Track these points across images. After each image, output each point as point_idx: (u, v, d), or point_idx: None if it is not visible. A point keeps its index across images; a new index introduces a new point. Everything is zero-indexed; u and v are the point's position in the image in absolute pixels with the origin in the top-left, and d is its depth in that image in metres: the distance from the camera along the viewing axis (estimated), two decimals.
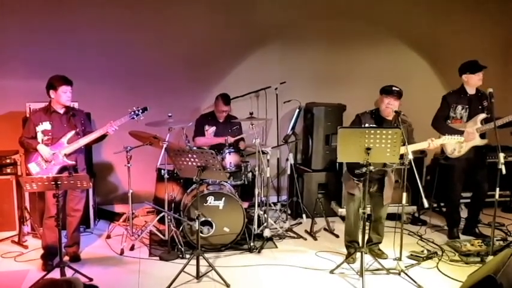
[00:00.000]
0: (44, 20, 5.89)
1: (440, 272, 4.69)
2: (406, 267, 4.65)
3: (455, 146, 5.26)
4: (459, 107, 5.27)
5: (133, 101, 5.13)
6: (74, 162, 4.65)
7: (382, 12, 6.69)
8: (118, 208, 6.27)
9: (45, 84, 4.60)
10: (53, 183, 4.10)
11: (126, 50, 6.15)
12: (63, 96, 4.56)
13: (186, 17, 6.26)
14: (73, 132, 4.63)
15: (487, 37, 6.94)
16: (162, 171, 5.19)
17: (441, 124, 5.27)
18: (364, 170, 4.34)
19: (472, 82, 5.22)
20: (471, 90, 5.26)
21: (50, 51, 5.93)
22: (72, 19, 5.94)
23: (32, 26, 5.87)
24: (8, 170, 5.41)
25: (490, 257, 4.65)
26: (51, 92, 4.57)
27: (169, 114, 5.12)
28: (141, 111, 4.73)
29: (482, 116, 5.23)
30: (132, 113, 4.72)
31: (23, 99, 5.49)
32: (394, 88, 4.61)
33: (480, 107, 5.24)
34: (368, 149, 4.24)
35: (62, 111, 4.66)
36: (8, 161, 5.42)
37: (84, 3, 5.97)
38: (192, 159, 4.48)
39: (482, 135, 5.29)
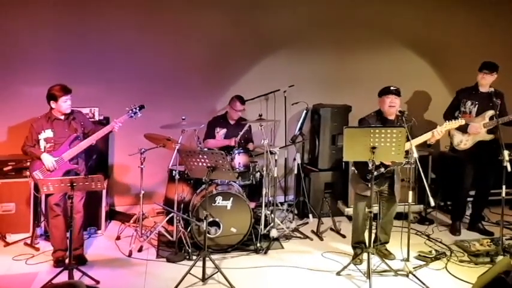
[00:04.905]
0: (67, 26, 5.64)
1: (450, 273, 4.23)
2: (414, 268, 4.22)
3: (461, 137, 5.06)
4: (468, 102, 5.10)
5: (148, 103, 4.80)
6: (76, 166, 4.41)
7: (386, 18, 6.42)
8: (128, 209, 5.91)
9: (46, 94, 4.36)
10: (69, 185, 3.90)
11: (143, 55, 5.87)
12: (64, 105, 4.34)
13: (201, 23, 5.99)
14: (74, 136, 4.38)
15: (490, 37, 6.57)
16: (174, 172, 4.85)
17: (449, 116, 5.03)
18: (376, 173, 4.03)
19: (478, 80, 5.06)
20: (483, 88, 5.06)
21: (71, 57, 5.67)
22: (95, 25, 5.70)
23: (54, 32, 5.63)
24: (27, 173, 5.11)
25: (500, 257, 4.20)
26: (52, 103, 4.35)
27: (183, 117, 4.87)
28: (138, 109, 4.53)
29: (491, 112, 4.98)
30: (130, 111, 4.52)
31: (46, 105, 5.15)
32: (391, 87, 4.35)
33: (491, 104, 4.97)
34: (373, 148, 3.92)
35: (62, 117, 4.42)
36: (28, 164, 5.06)
37: (104, 10, 5.72)
38: (203, 160, 4.22)
39: (490, 131, 5.00)
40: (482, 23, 6.56)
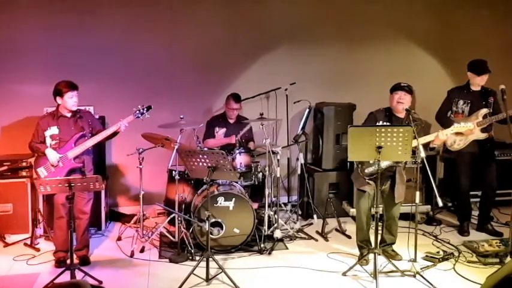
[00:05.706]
0: (61, 24, 5.56)
1: (458, 274, 4.15)
2: (421, 269, 4.14)
3: (455, 137, 4.93)
4: (461, 102, 5.01)
5: (146, 102, 4.73)
6: (81, 164, 4.35)
7: (390, 13, 6.31)
8: (129, 210, 5.81)
9: (52, 90, 4.32)
10: (67, 185, 3.82)
11: (139, 53, 5.78)
12: (70, 101, 4.30)
13: (199, 20, 5.91)
14: (80, 134, 4.33)
15: (496, 34, 6.48)
16: (173, 172, 4.78)
17: (442, 117, 5.05)
18: (375, 168, 3.96)
19: (475, 82, 4.97)
20: (475, 87, 5.00)
21: (66, 55, 5.58)
22: (88, 22, 5.62)
23: (48, 30, 5.55)
24: (24, 173, 5.09)
25: (509, 258, 4.13)
26: (58, 98, 4.32)
27: (182, 116, 4.79)
28: (145, 109, 4.47)
29: (484, 110, 4.89)
30: (137, 112, 4.45)
31: (40, 104, 5.12)
32: (402, 84, 4.29)
33: (484, 103, 4.92)
34: (379, 147, 3.84)
35: (69, 115, 4.38)
36: (24, 164, 5.09)
37: (101, 7, 5.65)
38: (203, 160, 4.13)
39: (484, 130, 4.91)
40: (490, 19, 6.46)
